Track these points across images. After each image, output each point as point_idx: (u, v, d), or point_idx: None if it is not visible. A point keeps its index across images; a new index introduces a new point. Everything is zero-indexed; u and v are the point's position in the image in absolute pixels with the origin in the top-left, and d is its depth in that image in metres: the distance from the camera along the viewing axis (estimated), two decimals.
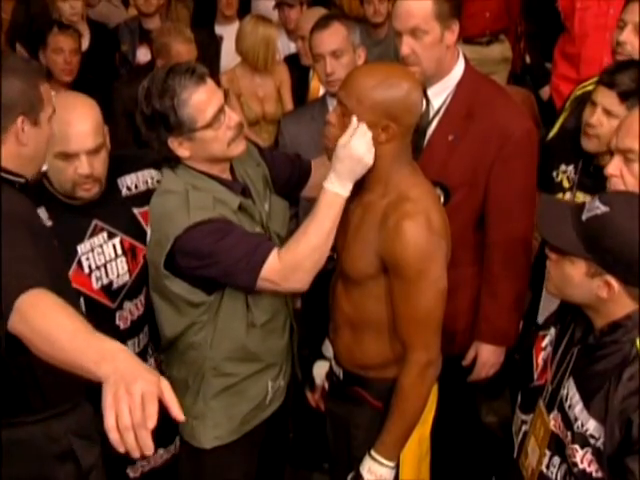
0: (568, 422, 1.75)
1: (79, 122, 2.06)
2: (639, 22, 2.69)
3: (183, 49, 3.51)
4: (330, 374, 2.24)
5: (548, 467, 1.81)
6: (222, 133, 2.01)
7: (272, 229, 2.19)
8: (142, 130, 2.05)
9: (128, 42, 4.32)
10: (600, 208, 1.67)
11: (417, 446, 2.07)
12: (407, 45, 2.26)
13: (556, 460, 1.80)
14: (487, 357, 2.42)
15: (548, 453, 1.82)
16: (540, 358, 1.91)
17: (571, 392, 1.76)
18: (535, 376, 1.91)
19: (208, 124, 1.99)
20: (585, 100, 2.70)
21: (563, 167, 2.49)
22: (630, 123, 1.97)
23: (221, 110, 2.01)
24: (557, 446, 1.79)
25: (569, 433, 1.75)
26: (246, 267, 1.97)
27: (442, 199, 2.30)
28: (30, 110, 1.79)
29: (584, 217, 1.68)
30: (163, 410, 1.83)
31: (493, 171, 2.31)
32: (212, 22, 4.66)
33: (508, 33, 4.50)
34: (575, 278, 1.71)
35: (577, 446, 1.72)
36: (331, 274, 2.16)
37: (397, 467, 2.02)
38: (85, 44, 4.10)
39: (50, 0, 4.40)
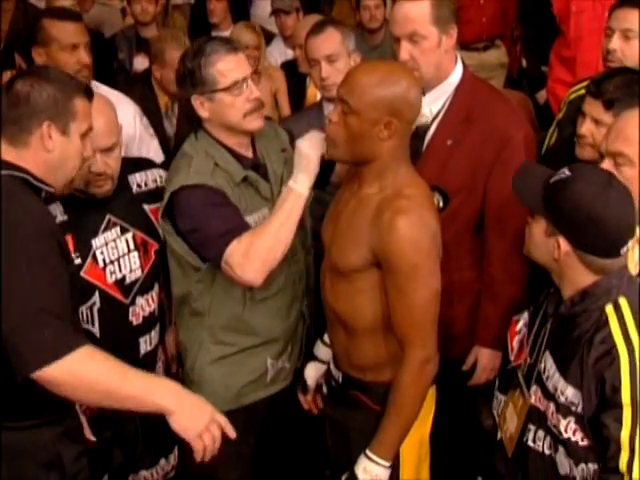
0: (548, 393, 1.84)
1: (93, 120, 2.09)
2: (637, 28, 2.69)
3: (178, 55, 3.50)
4: (328, 378, 2.24)
5: (534, 441, 1.90)
6: (240, 102, 2.15)
7: None
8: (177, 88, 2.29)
9: (125, 50, 4.33)
10: (565, 173, 1.81)
11: (417, 447, 2.06)
12: (405, 50, 2.27)
13: (541, 433, 1.89)
14: (487, 361, 2.42)
15: (532, 427, 1.90)
16: (515, 341, 2.02)
17: (548, 364, 1.86)
18: (512, 358, 2.01)
19: (227, 88, 2.14)
20: (580, 103, 2.71)
21: None
22: (620, 127, 2.00)
23: (244, 81, 2.15)
24: (540, 419, 1.88)
25: (551, 404, 1.83)
26: (216, 243, 2.06)
27: (441, 203, 2.31)
28: (58, 117, 1.83)
29: (552, 180, 1.81)
30: (162, 420, 1.86)
31: (492, 175, 2.31)
32: (209, 30, 4.69)
33: (504, 38, 4.51)
34: (536, 236, 1.86)
35: (560, 416, 1.81)
36: None
37: (394, 468, 2.01)
38: None
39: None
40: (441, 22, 2.26)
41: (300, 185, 2.07)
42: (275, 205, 2.11)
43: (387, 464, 1.99)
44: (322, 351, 2.30)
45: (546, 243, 1.83)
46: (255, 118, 2.19)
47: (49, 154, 1.84)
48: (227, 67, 2.15)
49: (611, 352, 1.75)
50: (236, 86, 2.14)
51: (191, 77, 2.16)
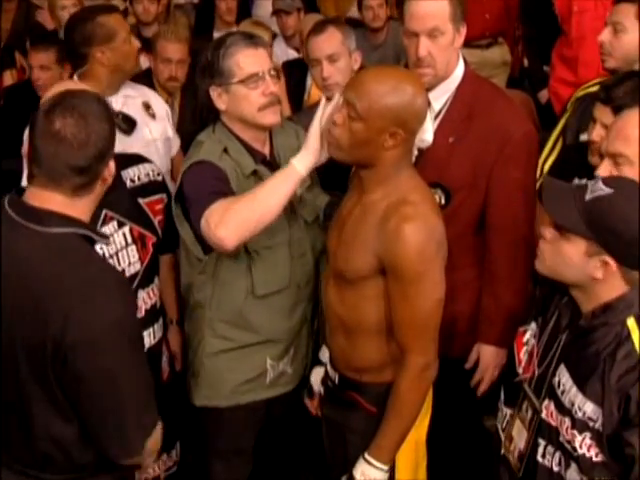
0: (562, 408, 1.80)
1: None
2: (626, 22, 2.68)
3: (170, 47, 3.49)
4: (325, 378, 2.23)
5: (544, 456, 1.85)
6: (255, 96, 2.18)
7: (299, 213, 2.29)
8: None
9: None
10: (604, 190, 1.73)
11: (413, 450, 2.06)
12: (424, 46, 2.25)
13: (550, 449, 1.84)
14: (489, 359, 2.41)
15: (542, 442, 1.86)
16: (522, 353, 1.97)
17: (563, 378, 1.81)
18: (520, 370, 1.96)
19: (242, 80, 2.17)
20: (587, 100, 2.71)
21: (576, 181, 2.47)
22: (620, 127, 2.00)
23: (261, 76, 2.18)
24: (550, 435, 1.84)
25: (566, 419, 1.78)
26: (202, 201, 2.04)
27: (443, 201, 2.30)
28: (112, 150, 1.75)
29: (587, 198, 1.74)
30: (165, 415, 1.88)
31: (493, 173, 2.31)
32: (212, 29, 4.71)
33: (506, 36, 4.51)
34: (573, 257, 1.76)
35: (576, 431, 1.76)
36: None
37: (392, 471, 2.01)
38: None
39: (50, 9, 4.42)
40: (455, 19, 2.26)
41: (299, 161, 2.01)
42: (273, 176, 2.07)
43: (385, 467, 1.99)
44: (327, 356, 2.27)
45: (586, 263, 1.74)
46: (270, 113, 2.20)
47: (103, 189, 1.77)
48: (245, 60, 2.17)
49: (635, 368, 1.69)
50: (252, 79, 2.17)
51: (210, 68, 2.20)
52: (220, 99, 2.21)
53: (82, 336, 1.60)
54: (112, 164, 1.75)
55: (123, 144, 2.95)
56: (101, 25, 2.79)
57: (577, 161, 2.46)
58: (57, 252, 1.66)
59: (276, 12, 4.47)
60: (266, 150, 2.28)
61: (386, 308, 1.97)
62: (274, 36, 4.58)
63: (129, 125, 2.91)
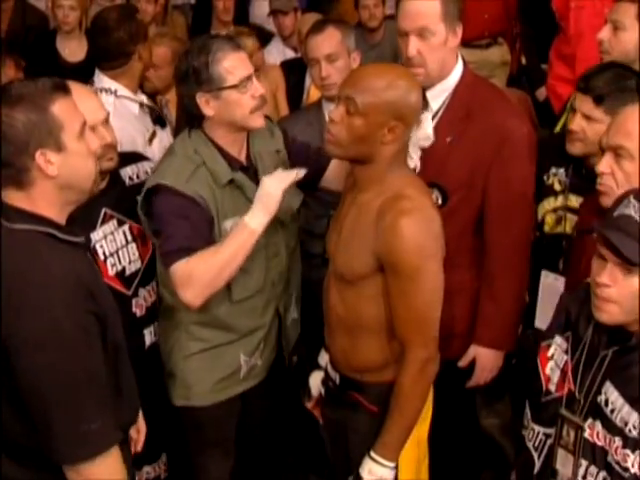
0: (613, 428, 1.74)
1: (85, 99, 2.11)
2: (625, 20, 2.68)
3: (155, 50, 3.47)
4: (325, 379, 2.22)
5: (585, 477, 1.78)
6: (246, 99, 2.18)
7: (275, 215, 2.25)
8: (176, 84, 2.34)
9: None
10: None
11: (415, 448, 2.05)
12: (414, 46, 2.25)
13: (593, 469, 1.77)
14: (486, 362, 2.41)
15: (584, 463, 1.78)
16: (547, 369, 1.90)
17: (612, 397, 1.75)
18: (553, 388, 1.88)
19: (234, 85, 2.16)
20: None
21: (553, 170, 2.48)
22: (621, 121, 2.00)
23: (249, 78, 2.18)
24: (594, 455, 1.77)
25: (617, 439, 1.73)
26: (168, 253, 2.08)
27: (440, 201, 2.30)
28: (46, 139, 1.62)
29: None
30: (164, 414, 1.87)
31: (491, 173, 2.30)
32: (209, 30, 4.70)
33: (505, 35, 4.50)
34: None
35: (629, 451, 1.70)
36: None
37: (396, 469, 2.00)
38: (82, 54, 4.11)
39: (50, 8, 4.41)
40: (449, 20, 2.26)
41: (255, 222, 2.09)
42: (228, 236, 2.11)
43: (392, 465, 1.98)
44: (326, 360, 2.26)
45: None
46: (258, 116, 2.21)
47: (56, 179, 1.65)
48: (233, 64, 2.16)
49: None
50: (243, 84, 2.16)
51: (196, 75, 2.15)
52: (208, 105, 2.17)
53: (16, 335, 1.58)
54: (49, 156, 1.63)
55: (161, 139, 3.00)
56: (142, 23, 2.89)
57: (554, 150, 2.46)
58: (17, 249, 1.62)
59: (273, 12, 4.47)
60: (242, 155, 2.26)
61: (386, 307, 1.97)
62: (271, 36, 4.59)
63: (162, 120, 3.03)
